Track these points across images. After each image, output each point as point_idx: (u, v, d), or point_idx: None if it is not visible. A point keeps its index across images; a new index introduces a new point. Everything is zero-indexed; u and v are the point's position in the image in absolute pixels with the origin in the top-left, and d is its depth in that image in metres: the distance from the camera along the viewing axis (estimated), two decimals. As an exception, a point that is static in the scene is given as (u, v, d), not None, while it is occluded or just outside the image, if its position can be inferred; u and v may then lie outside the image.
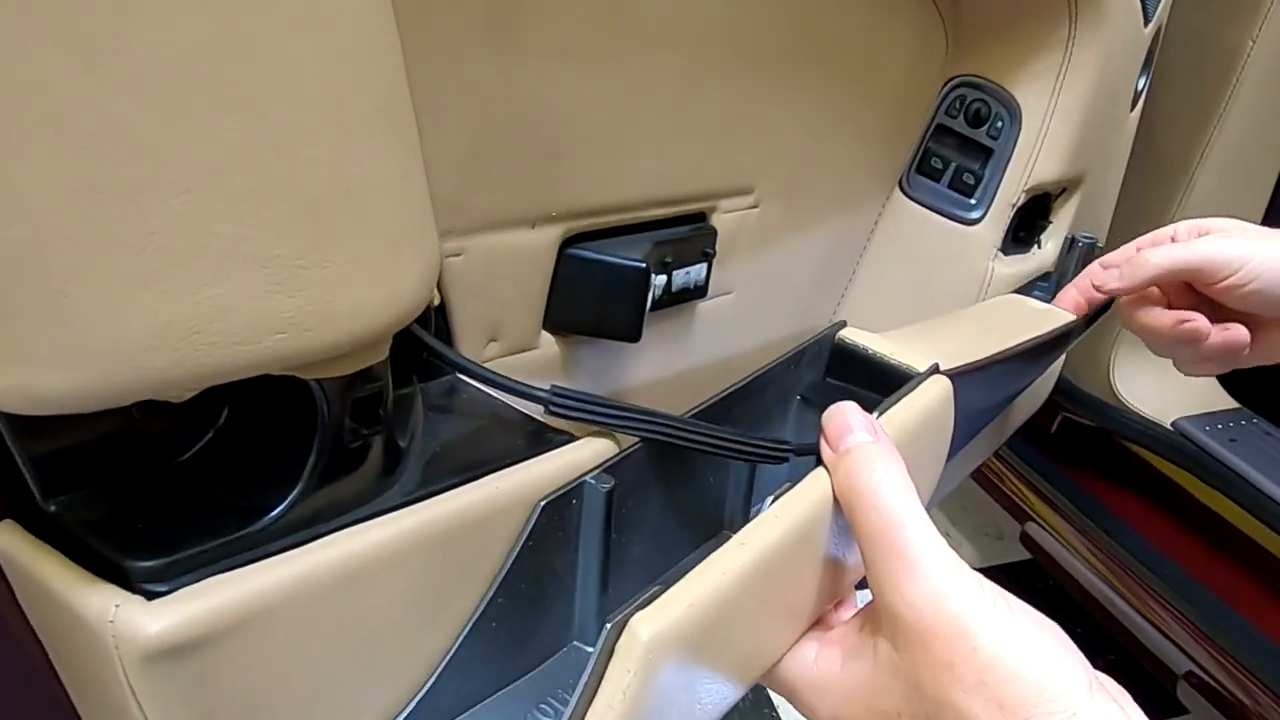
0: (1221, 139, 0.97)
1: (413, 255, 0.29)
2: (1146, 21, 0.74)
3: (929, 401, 0.44)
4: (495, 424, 0.40)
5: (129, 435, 0.30)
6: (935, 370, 0.46)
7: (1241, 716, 0.99)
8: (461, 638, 0.36)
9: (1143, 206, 1.03)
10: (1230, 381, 1.14)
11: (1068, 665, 0.31)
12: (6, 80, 0.19)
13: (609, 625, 0.31)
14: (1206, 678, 1.03)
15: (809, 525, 0.37)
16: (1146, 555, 1.09)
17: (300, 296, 0.25)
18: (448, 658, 0.36)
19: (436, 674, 0.35)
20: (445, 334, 0.43)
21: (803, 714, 0.38)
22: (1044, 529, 1.24)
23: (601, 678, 0.31)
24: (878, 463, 0.35)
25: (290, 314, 0.25)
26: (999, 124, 0.69)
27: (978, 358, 0.52)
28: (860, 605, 0.41)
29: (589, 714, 0.31)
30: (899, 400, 0.43)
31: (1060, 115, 0.68)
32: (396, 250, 0.28)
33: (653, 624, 0.30)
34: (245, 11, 0.22)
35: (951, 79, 0.69)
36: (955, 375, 0.47)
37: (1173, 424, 1.06)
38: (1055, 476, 1.21)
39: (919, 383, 0.45)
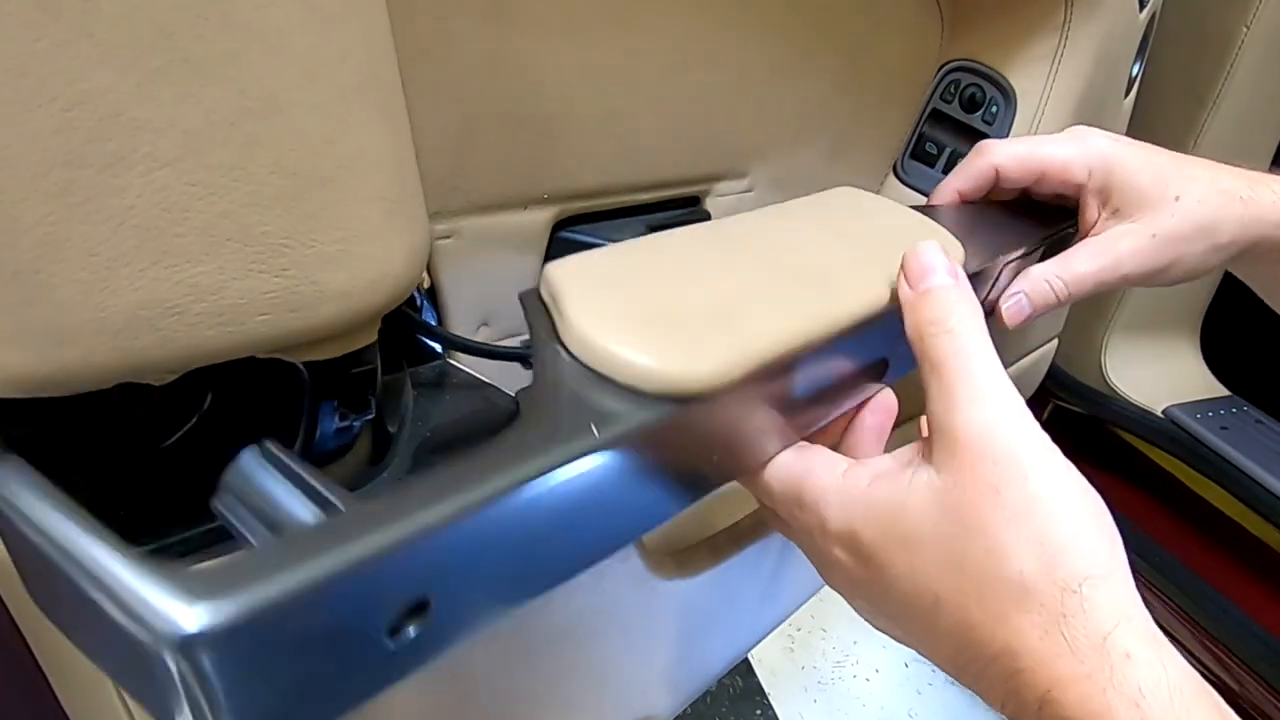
0: (1215, 125, 0.97)
1: (402, 234, 0.28)
2: (1142, 7, 0.74)
3: None
4: (487, 409, 0.39)
5: (110, 420, 0.30)
6: None
7: (1230, 703, 1.00)
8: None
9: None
10: (1222, 369, 1.14)
11: (1111, 531, 0.30)
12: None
13: None
14: (1195, 665, 1.03)
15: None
16: (1137, 543, 1.09)
17: (286, 276, 0.24)
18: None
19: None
20: (436, 318, 0.42)
21: (803, 525, 0.35)
22: (1035, 517, 1.24)
23: None
24: (959, 303, 0.34)
25: (276, 294, 0.24)
26: (994, 109, 0.68)
27: None
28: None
29: None
30: None
31: (1055, 101, 0.67)
32: (385, 229, 0.27)
33: None
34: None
35: (946, 63, 0.69)
36: None
37: (1164, 412, 1.06)
38: (1046, 464, 1.21)
39: None
